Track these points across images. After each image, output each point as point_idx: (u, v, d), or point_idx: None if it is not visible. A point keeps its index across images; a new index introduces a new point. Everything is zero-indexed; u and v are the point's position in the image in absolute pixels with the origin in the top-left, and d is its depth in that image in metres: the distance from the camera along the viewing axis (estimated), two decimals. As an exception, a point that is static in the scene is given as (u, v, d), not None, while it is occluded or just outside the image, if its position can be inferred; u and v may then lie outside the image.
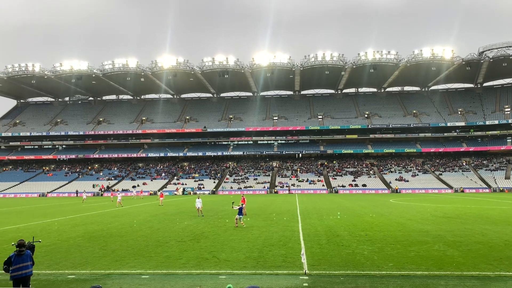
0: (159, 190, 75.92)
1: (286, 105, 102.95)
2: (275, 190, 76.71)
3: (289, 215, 30.17)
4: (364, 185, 77.49)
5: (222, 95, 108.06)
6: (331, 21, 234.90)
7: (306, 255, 13.79)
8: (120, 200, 44.21)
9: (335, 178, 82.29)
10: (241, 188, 77.45)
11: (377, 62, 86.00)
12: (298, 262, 13.23)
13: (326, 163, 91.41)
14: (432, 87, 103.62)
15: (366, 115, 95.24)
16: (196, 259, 14.12)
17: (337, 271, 12.29)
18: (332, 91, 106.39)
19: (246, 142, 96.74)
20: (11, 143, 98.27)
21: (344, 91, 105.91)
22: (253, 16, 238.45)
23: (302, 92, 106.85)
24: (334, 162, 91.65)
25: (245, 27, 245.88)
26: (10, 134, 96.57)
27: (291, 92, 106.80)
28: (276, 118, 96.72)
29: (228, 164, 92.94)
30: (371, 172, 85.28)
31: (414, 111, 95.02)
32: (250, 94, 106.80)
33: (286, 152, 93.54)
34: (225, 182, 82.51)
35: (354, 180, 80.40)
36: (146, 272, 12.45)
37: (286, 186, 78.11)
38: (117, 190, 78.11)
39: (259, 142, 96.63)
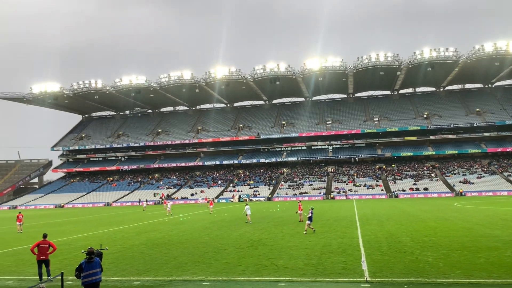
0: (216, 198, 77.30)
1: (339, 109, 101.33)
2: (331, 196, 75.48)
3: (347, 221, 29.54)
4: (425, 189, 74.19)
5: (274, 101, 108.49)
6: (383, 22, 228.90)
7: (367, 262, 13.44)
8: (169, 208, 45.48)
9: (395, 182, 79.50)
10: (296, 194, 77.02)
11: (434, 60, 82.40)
12: (359, 270, 12.91)
13: (384, 167, 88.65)
14: (496, 84, 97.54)
15: (425, 116, 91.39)
16: (254, 266, 14.20)
17: (400, 278, 11.85)
18: (387, 92, 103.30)
19: (299, 148, 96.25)
20: (78, 156, 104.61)
21: (401, 91, 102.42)
22: (304, 22, 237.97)
23: (356, 95, 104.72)
24: (393, 165, 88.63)
25: (296, 33, 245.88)
26: (77, 148, 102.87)
27: (344, 95, 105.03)
28: (330, 122, 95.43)
29: (282, 170, 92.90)
30: (432, 175, 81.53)
31: (477, 110, 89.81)
32: (302, 99, 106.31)
33: (341, 156, 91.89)
34: (280, 188, 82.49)
35: (414, 184, 77.22)
36: (207, 278, 12.69)
37: (343, 192, 76.61)
38: (176, 198, 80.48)
39: (313, 147, 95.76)
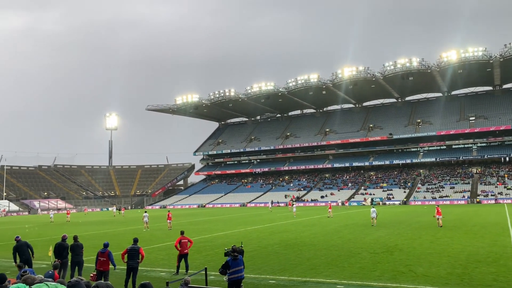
0: (347, 201, 75.98)
1: (483, 103, 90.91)
2: (477, 200, 68.03)
3: (498, 228, 26.38)
4: None
5: (407, 98, 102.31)
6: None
7: (524, 275, 11.84)
8: (295, 210, 46.40)
9: (557, 184, 68.27)
10: (435, 198, 71.33)
11: None
12: (514, 283, 11.45)
13: (542, 166, 76.75)
14: None
15: None
16: (391, 272, 13.61)
17: None
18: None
19: (437, 148, 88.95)
20: (216, 160, 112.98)
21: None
22: (439, 13, 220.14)
23: (504, 86, 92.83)
24: (554, 165, 76.23)
25: (429, 26, 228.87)
26: (215, 152, 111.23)
27: (489, 88, 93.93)
28: (473, 118, 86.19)
29: (418, 172, 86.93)
30: None
31: None
32: (438, 94, 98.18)
33: (488, 156, 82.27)
34: (416, 191, 77.32)
35: None
36: (341, 282, 12.58)
37: (492, 195, 68.44)
38: (306, 200, 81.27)
39: (453, 146, 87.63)
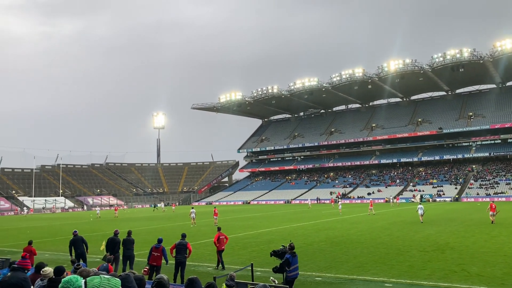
0: (394, 197, 73.99)
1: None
2: (537, 196, 64.12)
3: (560, 226, 24.77)
4: None
5: (457, 91, 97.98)
6: None
7: None
8: (340, 208, 45.81)
9: None
10: (490, 195, 67.95)
11: None
12: None
13: None
14: None
15: None
16: (442, 271, 13.15)
17: None
18: None
19: (492, 142, 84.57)
20: (259, 157, 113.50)
21: None
22: (489, 1, 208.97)
23: None
24: None
25: (479, 15, 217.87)
26: (258, 149, 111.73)
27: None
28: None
29: (471, 168, 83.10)
30: None
31: None
32: (492, 86, 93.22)
33: (548, 149, 77.27)
34: (469, 187, 73.98)
35: None
36: (389, 280, 12.31)
37: (552, 191, 64.32)
38: (352, 197, 79.96)
39: (508, 140, 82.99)
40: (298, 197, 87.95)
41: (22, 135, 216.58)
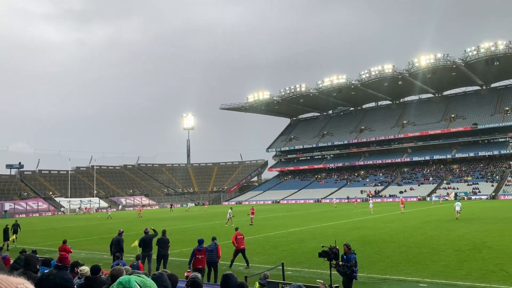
0: (428, 196, 72.36)
1: None
2: None
3: None
4: None
5: (492, 85, 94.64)
6: None
7: None
8: (371, 206, 44.89)
9: None
10: (529, 192, 65.36)
11: None
12: None
13: None
14: None
15: None
16: (479, 271, 12.80)
17: None
18: None
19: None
20: (288, 156, 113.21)
21: None
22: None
23: None
24: None
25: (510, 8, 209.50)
26: (287, 148, 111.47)
27: None
28: None
29: (508, 164, 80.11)
30: None
31: None
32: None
33: None
34: (506, 185, 71.34)
35: None
36: (423, 280, 12.09)
37: None
38: (384, 196, 78.66)
39: (549, 135, 79.52)
40: (328, 196, 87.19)
41: (58, 138, 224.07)
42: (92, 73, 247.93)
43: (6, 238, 24.59)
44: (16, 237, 26.08)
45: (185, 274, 11.72)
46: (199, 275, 5.31)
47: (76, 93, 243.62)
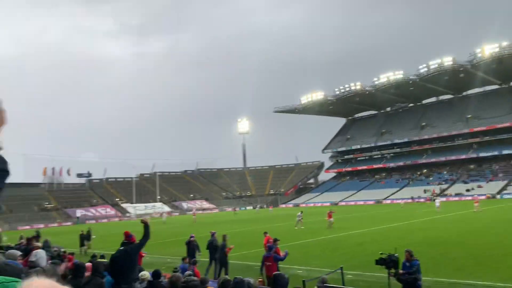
0: (498, 193, 67.90)
1: None
2: None
3: None
4: None
5: None
6: None
7: None
8: (438, 205, 42.96)
9: None
10: None
11: None
12: None
13: None
14: None
15: None
16: (559, 275, 11.80)
17: None
18: None
19: None
20: (345, 157, 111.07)
21: None
22: None
23: None
24: None
25: None
26: (344, 149, 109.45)
27: None
28: None
29: None
30: None
31: None
32: None
33: None
34: None
35: None
36: (495, 284, 11.37)
37: None
38: (450, 194, 74.93)
39: None
40: (389, 196, 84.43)
41: (122, 146, 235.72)
42: (151, 83, 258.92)
43: (82, 244, 25.96)
44: (89, 244, 27.18)
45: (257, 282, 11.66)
46: (281, 273, 5.23)
47: (136, 103, 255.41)
